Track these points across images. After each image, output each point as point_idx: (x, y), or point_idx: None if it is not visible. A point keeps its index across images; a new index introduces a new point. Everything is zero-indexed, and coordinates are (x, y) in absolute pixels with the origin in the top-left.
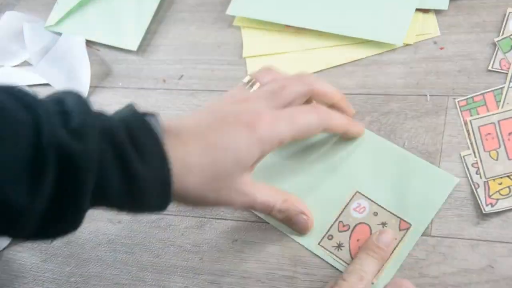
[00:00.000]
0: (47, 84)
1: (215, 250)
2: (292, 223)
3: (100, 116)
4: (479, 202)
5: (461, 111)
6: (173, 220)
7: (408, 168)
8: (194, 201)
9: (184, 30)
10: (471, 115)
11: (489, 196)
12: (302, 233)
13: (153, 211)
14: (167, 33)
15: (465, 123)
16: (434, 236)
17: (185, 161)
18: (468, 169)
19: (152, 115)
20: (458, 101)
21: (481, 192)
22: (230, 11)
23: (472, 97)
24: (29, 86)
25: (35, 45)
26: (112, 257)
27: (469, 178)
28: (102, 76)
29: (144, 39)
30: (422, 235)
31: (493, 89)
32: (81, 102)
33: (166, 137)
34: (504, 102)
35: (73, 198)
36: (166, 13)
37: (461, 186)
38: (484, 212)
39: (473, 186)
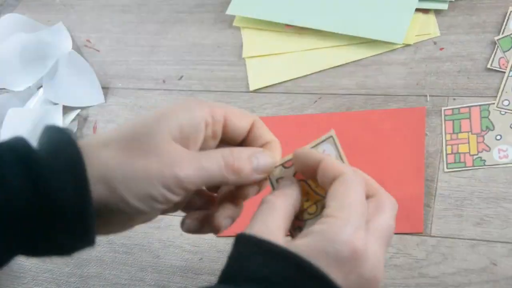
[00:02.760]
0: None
1: (214, 250)
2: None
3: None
4: None
5: (444, 120)
6: (173, 220)
7: None
8: (120, 180)
9: (184, 31)
10: (453, 128)
11: None
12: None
13: (75, 218)
14: (167, 34)
15: None
16: (434, 236)
17: (97, 138)
18: None
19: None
20: (444, 110)
21: None
22: (230, 10)
23: (459, 108)
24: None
25: (10, 130)
26: (111, 257)
27: None
28: (102, 76)
29: (144, 39)
30: (422, 235)
31: (480, 103)
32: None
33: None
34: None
35: None
36: (166, 14)
37: (461, 186)
38: None
39: None
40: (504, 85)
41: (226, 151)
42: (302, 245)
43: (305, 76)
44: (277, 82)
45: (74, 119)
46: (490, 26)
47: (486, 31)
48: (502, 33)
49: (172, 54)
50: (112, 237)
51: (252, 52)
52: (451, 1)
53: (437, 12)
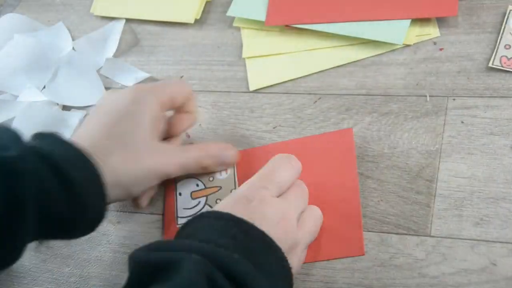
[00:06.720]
0: None
1: None
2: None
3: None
4: None
5: None
6: None
7: None
8: (130, 183)
9: (184, 30)
10: None
11: None
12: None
13: (94, 217)
14: (167, 34)
15: None
16: (433, 237)
17: (96, 143)
18: None
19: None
20: None
21: None
22: (230, 12)
23: None
24: None
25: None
26: (111, 257)
27: None
28: (102, 76)
29: (144, 39)
30: (422, 235)
31: None
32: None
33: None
34: None
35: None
36: None
37: (461, 186)
38: None
39: None
40: None
41: (199, 151)
42: None
43: (305, 76)
44: (277, 82)
45: (74, 119)
46: (490, 26)
47: (486, 31)
48: (502, 33)
49: (171, 54)
50: (112, 237)
51: (252, 52)
52: None
53: None
